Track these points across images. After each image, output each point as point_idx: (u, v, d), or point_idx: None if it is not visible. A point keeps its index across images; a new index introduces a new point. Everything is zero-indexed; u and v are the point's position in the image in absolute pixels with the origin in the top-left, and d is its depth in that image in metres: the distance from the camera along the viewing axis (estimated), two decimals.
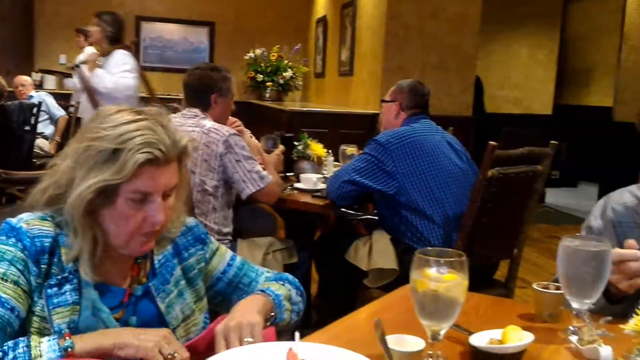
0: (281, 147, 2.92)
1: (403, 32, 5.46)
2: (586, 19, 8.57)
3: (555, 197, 7.35)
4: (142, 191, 1.10)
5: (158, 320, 1.20)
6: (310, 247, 2.93)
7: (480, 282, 2.69)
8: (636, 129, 1.48)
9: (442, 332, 1.05)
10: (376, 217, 3.01)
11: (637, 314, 0.81)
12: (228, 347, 1.08)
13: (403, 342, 1.04)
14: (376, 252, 2.66)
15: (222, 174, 2.51)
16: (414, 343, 1.04)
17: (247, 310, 1.17)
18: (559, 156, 8.88)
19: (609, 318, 1.16)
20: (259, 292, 1.27)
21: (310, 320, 2.83)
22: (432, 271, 1.04)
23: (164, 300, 1.21)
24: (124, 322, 1.17)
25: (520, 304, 1.43)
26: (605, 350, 1.04)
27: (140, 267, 1.23)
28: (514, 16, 7.40)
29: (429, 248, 1.09)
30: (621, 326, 0.92)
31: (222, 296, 1.34)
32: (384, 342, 0.96)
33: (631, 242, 1.29)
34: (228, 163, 2.50)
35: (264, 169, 2.63)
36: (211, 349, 1.10)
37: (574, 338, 1.16)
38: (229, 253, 1.38)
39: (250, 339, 1.09)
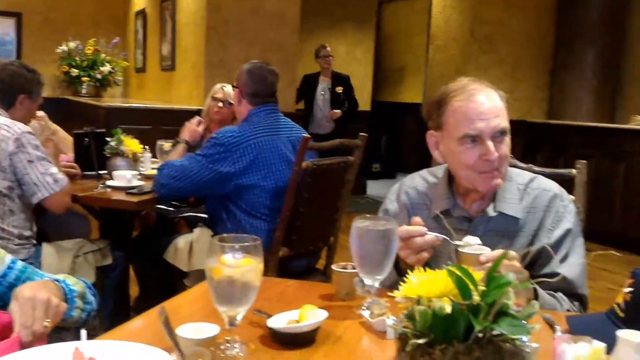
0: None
1: (224, 27, 5.45)
2: (397, 20, 9.16)
3: (376, 188, 7.78)
4: None
5: None
6: (127, 247, 2.81)
7: (305, 271, 2.79)
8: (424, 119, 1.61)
9: (239, 317, 1.06)
10: (200, 214, 2.97)
11: (404, 282, 0.88)
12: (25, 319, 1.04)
13: (198, 330, 1.03)
14: (197, 252, 2.62)
15: (12, 174, 2.28)
16: (209, 330, 1.04)
17: (39, 288, 1.11)
18: (378, 150, 9.48)
19: (376, 285, 1.24)
20: (51, 280, 1.21)
21: None
22: (227, 257, 1.04)
23: None
24: None
25: (324, 285, 1.49)
26: (390, 320, 1.12)
27: None
28: (332, 14, 7.70)
29: (225, 235, 1.09)
30: (389, 294, 0.99)
31: (3, 301, 1.24)
32: (169, 330, 0.94)
33: (417, 219, 1.39)
34: (19, 163, 2.28)
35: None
36: None
37: (366, 313, 1.23)
38: (9, 257, 1.28)
39: (48, 322, 1.06)
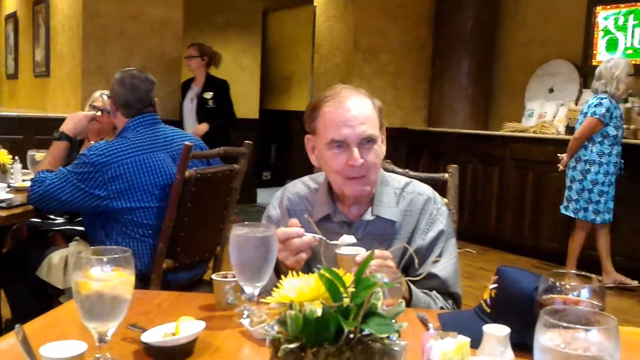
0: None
1: (103, 32, 5.25)
2: (283, 29, 9.24)
3: (266, 196, 7.77)
4: None
5: None
6: None
7: (192, 283, 2.72)
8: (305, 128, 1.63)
9: (110, 333, 1.01)
10: (77, 227, 2.82)
11: (278, 287, 0.88)
12: None
13: (64, 348, 0.98)
14: (72, 267, 2.49)
15: None
16: (75, 347, 0.98)
17: None
18: (268, 158, 9.49)
19: (248, 293, 1.23)
20: None
21: None
22: (95, 271, 1.00)
23: None
24: None
25: (204, 295, 1.46)
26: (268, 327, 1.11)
27: None
28: (216, 21, 7.63)
29: (92, 247, 1.04)
30: (262, 300, 0.99)
31: None
32: (27, 349, 0.88)
33: (294, 221, 1.41)
34: None
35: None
36: None
37: (246, 321, 1.21)
38: None
39: None
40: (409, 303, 1.45)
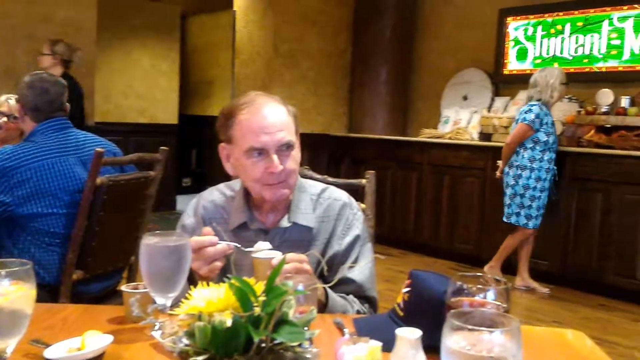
0: None
1: (11, 33, 5.01)
2: (204, 33, 9.12)
3: (186, 203, 7.60)
4: None
5: None
6: None
7: (104, 294, 2.62)
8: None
9: (9, 350, 0.95)
10: None
11: (187, 299, 0.85)
12: None
13: None
14: None
15: None
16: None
17: None
18: (188, 164, 9.33)
19: (155, 305, 1.20)
20: None
21: None
22: None
23: None
24: None
25: (114, 308, 1.40)
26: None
27: None
28: (133, 25, 7.44)
29: None
30: (170, 312, 0.97)
31: None
32: None
33: (207, 229, 1.38)
34: None
35: None
36: None
37: (157, 333, 1.18)
38: None
39: None
40: (325, 307, 1.45)
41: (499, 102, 5.95)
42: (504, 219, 4.65)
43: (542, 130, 4.44)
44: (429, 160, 5.83)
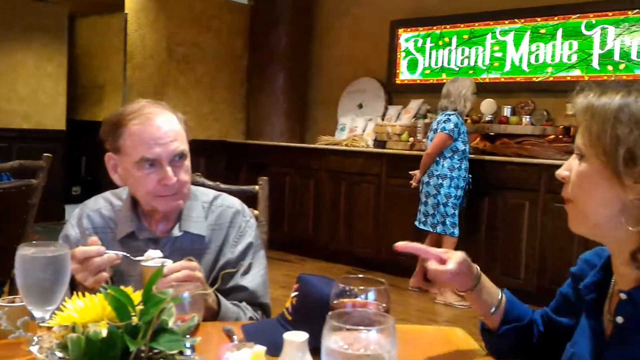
0: None
1: None
2: (94, 35, 8.78)
3: None
4: None
5: None
6: None
7: None
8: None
9: None
10: None
11: (61, 310, 0.82)
12: None
13: None
14: None
15: None
16: None
17: None
18: (78, 172, 8.93)
19: (26, 318, 1.15)
20: None
21: None
22: None
23: None
24: None
25: None
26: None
27: None
28: (17, 25, 7.03)
29: None
30: (41, 324, 0.93)
31: None
32: None
33: (93, 238, 1.34)
34: None
35: None
36: None
37: (35, 348, 1.12)
38: None
39: None
40: (218, 315, 1.44)
41: (392, 110, 6.14)
42: (428, 229, 4.64)
43: (459, 139, 4.54)
44: (326, 167, 5.91)
